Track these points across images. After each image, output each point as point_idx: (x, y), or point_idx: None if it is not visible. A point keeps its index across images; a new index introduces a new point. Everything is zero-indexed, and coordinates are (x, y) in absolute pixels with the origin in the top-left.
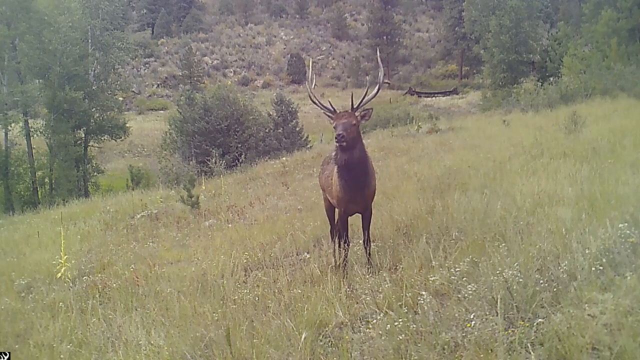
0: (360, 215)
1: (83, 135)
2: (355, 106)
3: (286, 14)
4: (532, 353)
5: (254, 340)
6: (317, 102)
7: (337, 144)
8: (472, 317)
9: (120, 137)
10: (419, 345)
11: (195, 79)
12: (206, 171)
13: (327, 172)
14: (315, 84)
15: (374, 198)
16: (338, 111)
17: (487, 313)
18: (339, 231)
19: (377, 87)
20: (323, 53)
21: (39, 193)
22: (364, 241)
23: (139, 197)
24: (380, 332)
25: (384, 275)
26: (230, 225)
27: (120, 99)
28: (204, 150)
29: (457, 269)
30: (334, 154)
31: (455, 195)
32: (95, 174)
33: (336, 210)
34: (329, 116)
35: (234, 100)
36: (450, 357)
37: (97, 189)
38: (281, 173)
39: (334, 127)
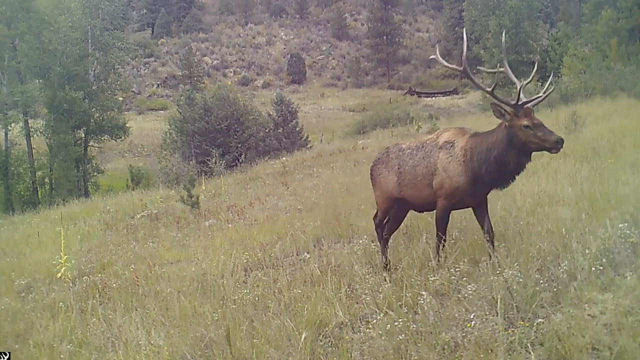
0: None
1: (83, 135)
2: (535, 103)
3: (286, 14)
4: (532, 353)
5: (254, 340)
6: (494, 96)
7: (555, 151)
8: (472, 317)
9: (120, 137)
10: (419, 345)
11: (195, 79)
12: (206, 171)
13: (412, 162)
14: (466, 53)
15: None
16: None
17: (487, 313)
18: (443, 227)
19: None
20: (323, 53)
21: (39, 193)
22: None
23: (139, 197)
24: (380, 332)
25: (384, 275)
26: (230, 225)
27: (120, 99)
28: (204, 150)
29: (457, 269)
30: (491, 150)
31: None
32: (95, 174)
33: (385, 210)
34: (502, 107)
35: (234, 100)
36: (450, 357)
37: (97, 189)
38: (281, 173)
39: (533, 127)
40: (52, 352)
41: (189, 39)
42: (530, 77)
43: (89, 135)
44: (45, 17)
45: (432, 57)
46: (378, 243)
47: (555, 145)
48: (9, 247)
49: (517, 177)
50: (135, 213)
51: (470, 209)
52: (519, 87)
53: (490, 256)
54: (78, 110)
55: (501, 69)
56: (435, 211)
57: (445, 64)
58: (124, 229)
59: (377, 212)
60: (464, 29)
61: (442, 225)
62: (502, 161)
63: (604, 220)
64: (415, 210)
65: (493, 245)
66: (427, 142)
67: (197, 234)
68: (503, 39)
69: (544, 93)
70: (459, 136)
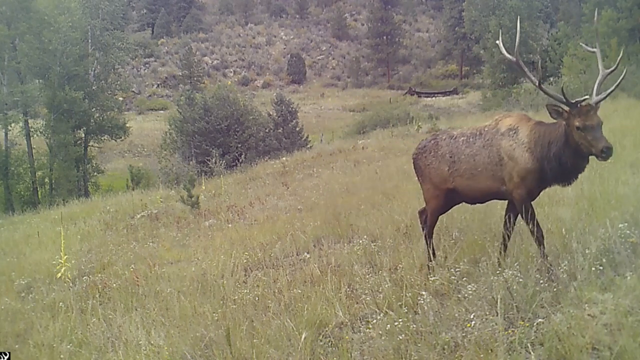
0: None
1: (83, 135)
2: (599, 99)
3: (286, 14)
4: (532, 353)
5: (254, 340)
6: (542, 89)
7: (602, 159)
8: (472, 317)
9: (120, 137)
10: (419, 345)
11: (195, 79)
12: (206, 171)
13: (469, 151)
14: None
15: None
16: (577, 103)
17: (487, 313)
18: (532, 218)
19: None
20: (323, 53)
21: (39, 193)
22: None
23: (139, 197)
24: (380, 332)
25: (384, 275)
26: (230, 225)
27: (120, 99)
28: (204, 150)
29: (457, 269)
30: (550, 148)
31: None
32: (95, 174)
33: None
34: (559, 106)
35: (234, 100)
36: (450, 357)
37: (97, 189)
38: (281, 173)
39: (583, 129)
40: (52, 352)
41: (189, 39)
42: (615, 64)
43: (89, 135)
44: (45, 17)
45: (497, 41)
46: (425, 241)
47: (600, 154)
48: (9, 247)
49: (579, 175)
50: (135, 213)
51: (501, 207)
52: (599, 77)
53: (492, 255)
54: (78, 110)
55: (593, 50)
56: (517, 208)
57: (505, 52)
58: (124, 229)
59: (424, 209)
60: (518, 18)
61: (530, 216)
62: (560, 159)
63: (604, 220)
64: (464, 202)
65: (506, 247)
66: (486, 129)
67: (197, 234)
68: (595, 17)
69: (606, 91)
70: (523, 122)
